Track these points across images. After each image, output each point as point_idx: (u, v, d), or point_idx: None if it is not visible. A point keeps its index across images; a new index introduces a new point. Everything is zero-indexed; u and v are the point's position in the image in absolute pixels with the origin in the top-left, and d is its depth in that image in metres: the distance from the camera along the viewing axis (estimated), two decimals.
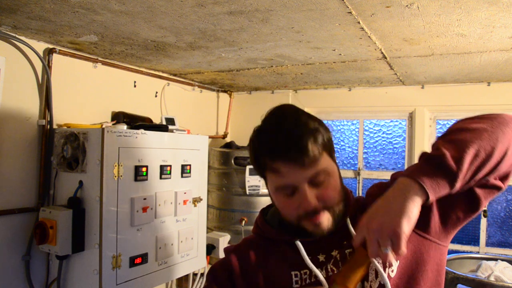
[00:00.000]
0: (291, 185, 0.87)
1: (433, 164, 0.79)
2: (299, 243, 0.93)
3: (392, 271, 0.88)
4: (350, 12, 1.46)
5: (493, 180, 0.85)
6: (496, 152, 0.79)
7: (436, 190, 0.77)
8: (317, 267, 0.91)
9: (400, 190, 0.79)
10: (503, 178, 0.86)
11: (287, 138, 0.85)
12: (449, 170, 0.77)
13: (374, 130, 3.19)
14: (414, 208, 0.76)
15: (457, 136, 0.82)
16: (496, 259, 2.39)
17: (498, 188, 0.86)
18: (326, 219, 0.88)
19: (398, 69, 2.41)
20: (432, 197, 0.77)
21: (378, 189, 0.95)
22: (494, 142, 0.79)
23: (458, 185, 0.78)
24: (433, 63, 2.23)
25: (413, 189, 0.77)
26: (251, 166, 2.66)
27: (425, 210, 0.84)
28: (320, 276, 0.89)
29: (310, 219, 0.87)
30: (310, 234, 0.90)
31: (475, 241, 2.83)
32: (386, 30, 1.66)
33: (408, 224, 0.75)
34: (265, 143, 0.88)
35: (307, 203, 0.86)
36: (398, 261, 0.89)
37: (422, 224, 0.88)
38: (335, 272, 0.90)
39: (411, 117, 3.01)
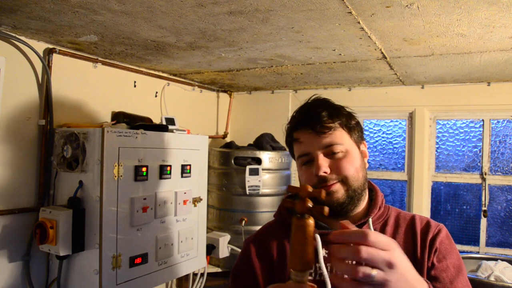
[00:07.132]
0: (307, 152, 0.94)
1: None
2: (317, 237, 0.90)
3: None
4: (350, 12, 1.46)
5: None
6: None
7: None
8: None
9: None
10: None
11: (309, 110, 0.97)
12: None
13: (374, 130, 3.19)
14: None
15: None
16: (496, 259, 2.38)
17: None
18: (339, 190, 0.91)
19: (398, 69, 2.41)
20: None
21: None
22: None
23: None
24: (433, 63, 2.23)
25: None
26: (251, 166, 2.68)
27: None
28: (325, 271, 0.87)
29: (323, 188, 0.89)
30: (324, 203, 0.89)
31: (475, 241, 2.83)
32: (386, 30, 1.66)
33: None
34: (292, 119, 1.01)
35: (318, 168, 0.90)
36: None
37: None
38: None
39: (411, 117, 3.01)
